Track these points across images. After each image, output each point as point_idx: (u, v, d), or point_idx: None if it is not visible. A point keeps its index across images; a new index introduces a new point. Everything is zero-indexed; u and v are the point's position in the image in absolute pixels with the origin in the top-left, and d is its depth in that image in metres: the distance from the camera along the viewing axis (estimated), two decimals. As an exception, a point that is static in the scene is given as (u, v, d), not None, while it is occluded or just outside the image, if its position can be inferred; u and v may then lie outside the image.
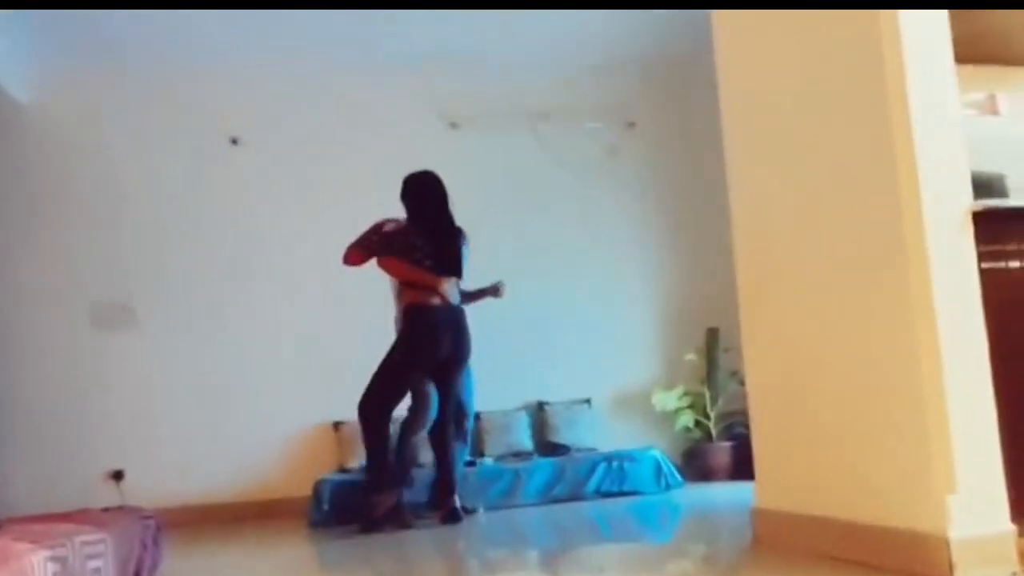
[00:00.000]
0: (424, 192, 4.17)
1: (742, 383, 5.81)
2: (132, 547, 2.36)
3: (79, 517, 2.37)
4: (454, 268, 4.11)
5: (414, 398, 4.02)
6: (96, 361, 5.14)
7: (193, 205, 5.45)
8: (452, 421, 4.10)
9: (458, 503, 4.02)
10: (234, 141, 5.53)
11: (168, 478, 5.07)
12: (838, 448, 2.43)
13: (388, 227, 4.13)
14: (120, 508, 2.76)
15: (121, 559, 2.21)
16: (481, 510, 4.31)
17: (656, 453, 4.98)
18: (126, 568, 2.27)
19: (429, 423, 3.98)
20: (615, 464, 4.83)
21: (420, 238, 4.05)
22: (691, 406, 5.70)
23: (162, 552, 2.75)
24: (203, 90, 5.52)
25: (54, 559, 1.74)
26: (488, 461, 4.79)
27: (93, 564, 1.99)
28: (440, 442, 4.02)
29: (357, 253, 4.08)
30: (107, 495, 4.93)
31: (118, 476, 5.01)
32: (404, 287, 4.05)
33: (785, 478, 2.68)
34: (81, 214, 5.28)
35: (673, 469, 4.99)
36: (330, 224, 5.53)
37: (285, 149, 5.62)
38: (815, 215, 2.53)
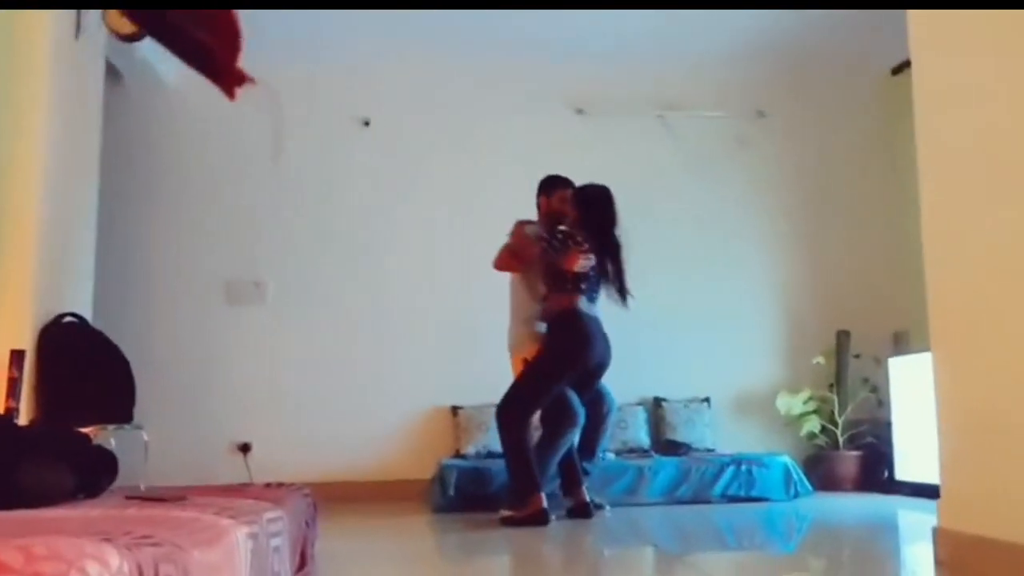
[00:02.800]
0: (602, 205, 4.08)
1: (874, 390, 5.68)
2: (300, 525, 2.38)
3: (253, 492, 2.40)
4: (621, 290, 4.04)
5: (558, 404, 3.93)
6: (228, 336, 5.29)
7: (324, 185, 5.53)
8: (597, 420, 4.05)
9: (587, 496, 3.97)
10: (366, 123, 5.58)
11: (290, 453, 5.18)
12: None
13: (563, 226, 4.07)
14: (280, 485, 2.80)
15: (293, 537, 2.23)
16: (608, 508, 4.23)
17: (786, 459, 4.81)
18: (295, 547, 2.28)
19: (578, 427, 3.91)
20: (743, 468, 4.68)
21: (591, 247, 3.97)
22: (817, 411, 5.48)
23: (317, 531, 2.77)
24: (336, 72, 5.59)
25: (250, 535, 1.74)
26: (610, 456, 4.71)
27: (275, 542, 1.99)
28: (583, 438, 3.97)
29: (522, 253, 3.97)
30: (233, 467, 5.07)
31: (245, 449, 5.14)
32: (553, 291, 3.96)
33: (980, 499, 2.50)
34: (217, 194, 5.43)
35: (803, 477, 4.80)
36: (455, 207, 5.58)
37: (414, 131, 5.64)
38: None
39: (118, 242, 5.04)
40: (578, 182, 5.67)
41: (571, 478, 3.99)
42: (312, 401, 5.30)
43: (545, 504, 3.74)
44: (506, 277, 4.28)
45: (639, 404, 5.52)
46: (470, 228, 5.50)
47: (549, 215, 4.22)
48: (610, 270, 4.00)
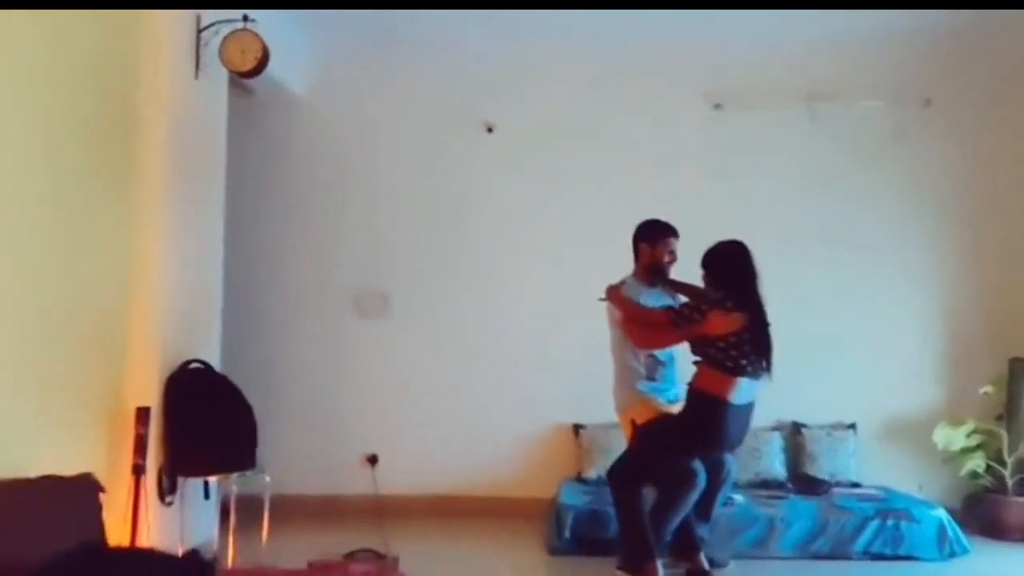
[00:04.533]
0: (745, 266, 3.60)
1: None
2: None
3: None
4: (769, 366, 3.61)
5: (680, 474, 3.67)
6: (355, 349, 5.33)
7: (449, 196, 5.40)
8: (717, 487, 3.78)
9: (705, 563, 3.74)
10: (489, 129, 5.38)
11: (415, 466, 5.21)
12: None
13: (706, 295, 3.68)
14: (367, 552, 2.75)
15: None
16: (731, 563, 3.97)
17: (941, 514, 4.33)
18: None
19: (699, 491, 3.65)
20: (890, 522, 4.25)
21: (742, 310, 3.55)
22: (982, 447, 4.92)
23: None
24: (460, 78, 5.40)
25: None
26: (740, 499, 4.41)
27: None
28: (700, 502, 3.71)
29: (652, 319, 3.65)
30: (362, 479, 5.17)
31: (373, 460, 5.23)
32: (707, 362, 3.59)
33: None
34: (347, 207, 5.41)
35: (959, 533, 4.32)
36: (585, 216, 5.32)
37: (539, 136, 5.38)
38: None
39: (247, 254, 5.14)
40: (715, 185, 5.36)
41: (686, 543, 3.76)
42: (436, 415, 5.29)
43: (661, 574, 3.55)
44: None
45: (775, 429, 5.15)
46: (600, 238, 5.22)
47: (651, 267, 3.89)
48: (757, 337, 3.56)
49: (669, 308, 3.71)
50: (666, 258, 3.88)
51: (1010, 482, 4.84)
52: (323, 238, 5.40)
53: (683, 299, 3.91)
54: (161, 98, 3.51)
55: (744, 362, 3.54)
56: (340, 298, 5.36)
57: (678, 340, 3.70)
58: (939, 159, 5.30)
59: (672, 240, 3.90)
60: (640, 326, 3.68)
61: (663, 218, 4.02)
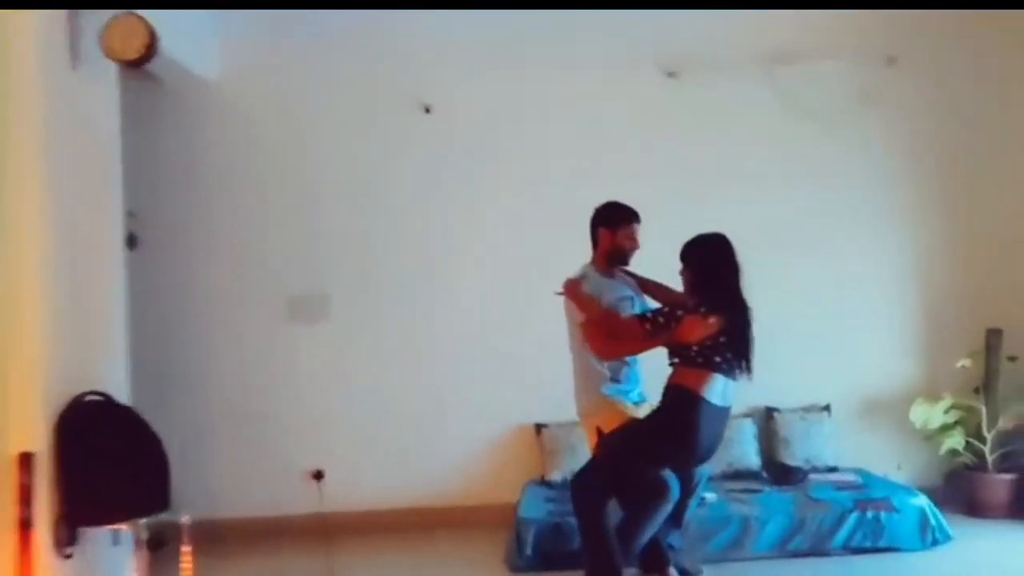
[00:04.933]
0: (728, 263, 3.30)
1: None
2: None
3: None
4: (749, 366, 3.33)
5: (651, 486, 3.35)
6: (293, 355, 4.93)
7: (386, 185, 4.97)
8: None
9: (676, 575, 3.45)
10: (427, 109, 4.95)
11: (365, 479, 4.86)
12: None
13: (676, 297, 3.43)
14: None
15: None
16: (704, 573, 3.68)
17: (923, 502, 4.08)
18: None
19: (671, 504, 3.34)
20: (870, 515, 4.00)
21: (720, 313, 3.24)
22: (960, 423, 4.68)
23: None
24: (393, 55, 4.95)
25: None
26: (713, 497, 4.12)
27: None
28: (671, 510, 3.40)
29: (622, 329, 3.34)
30: (305, 496, 4.80)
31: (318, 476, 4.85)
32: (681, 363, 3.30)
33: None
34: (273, 199, 4.96)
35: (942, 520, 4.07)
36: (538, 200, 4.93)
37: (483, 114, 4.98)
38: None
39: (160, 259, 4.71)
40: (672, 158, 5.01)
41: (655, 555, 3.48)
42: (385, 422, 4.92)
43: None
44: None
45: (747, 416, 4.86)
46: (552, 220, 4.87)
47: (611, 254, 3.55)
48: (737, 337, 3.27)
49: (642, 317, 3.37)
50: (627, 244, 3.52)
51: (990, 458, 4.62)
52: (250, 235, 4.96)
53: (648, 298, 3.60)
54: (31, 95, 3.04)
55: (718, 359, 3.24)
56: (272, 301, 4.93)
57: (644, 349, 3.39)
58: (907, 120, 5.01)
59: (634, 226, 3.56)
60: (604, 333, 3.33)
61: (619, 196, 3.67)
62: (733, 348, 3.27)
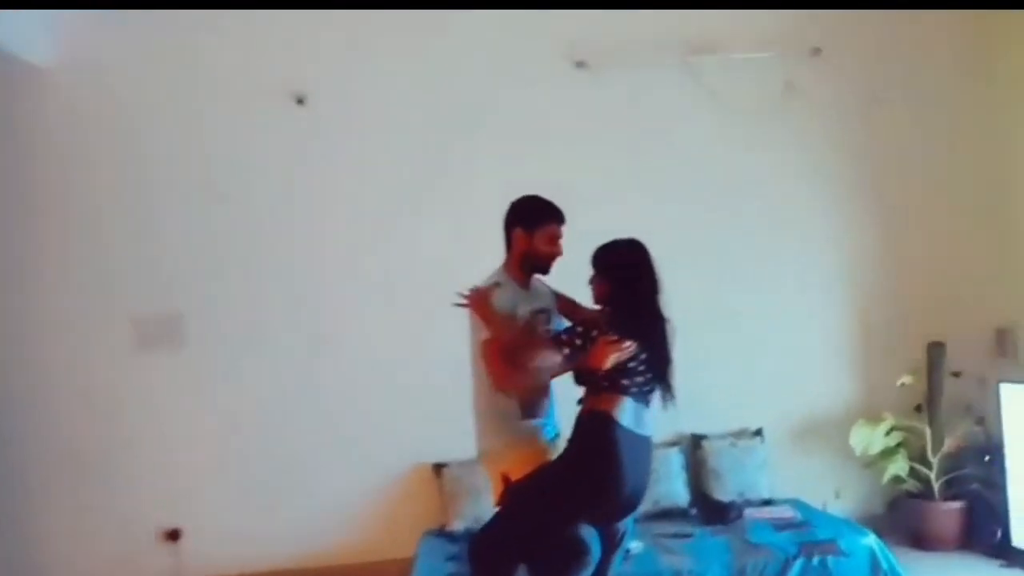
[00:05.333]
0: (647, 275, 2.79)
1: (980, 422, 4.41)
2: None
3: None
4: (668, 388, 2.82)
5: (567, 546, 2.73)
6: (141, 389, 4.12)
7: (252, 187, 4.24)
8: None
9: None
10: (300, 101, 4.24)
11: (231, 538, 4.09)
12: None
13: (584, 314, 2.91)
14: None
15: None
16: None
17: (871, 541, 3.61)
18: None
19: (590, 569, 2.73)
20: (815, 560, 3.50)
21: (636, 335, 2.73)
22: (902, 445, 4.26)
23: None
24: (258, 38, 4.23)
25: None
26: (638, 547, 3.54)
27: None
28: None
29: (522, 355, 2.74)
30: (159, 560, 4.00)
31: (174, 536, 4.05)
32: (589, 392, 2.76)
33: None
34: (115, 203, 4.17)
35: (893, 562, 3.60)
36: (430, 207, 4.28)
37: (366, 106, 4.30)
38: None
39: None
40: (582, 156, 4.44)
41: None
42: (254, 467, 4.16)
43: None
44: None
45: (674, 445, 4.33)
46: (448, 227, 4.26)
47: (528, 259, 2.94)
48: (656, 357, 2.76)
49: (558, 338, 2.78)
50: (547, 249, 2.92)
51: (936, 485, 4.21)
52: (86, 247, 4.15)
53: (560, 316, 3.01)
54: None
55: (626, 382, 2.71)
56: (115, 324, 4.12)
57: (555, 376, 2.80)
58: (833, 113, 4.59)
59: (556, 227, 2.93)
60: (508, 357, 2.71)
61: (518, 194, 3.01)
62: (651, 370, 2.75)
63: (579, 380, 2.79)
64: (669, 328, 2.82)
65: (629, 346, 2.69)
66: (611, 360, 2.67)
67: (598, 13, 4.35)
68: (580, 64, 4.41)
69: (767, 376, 4.45)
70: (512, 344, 2.73)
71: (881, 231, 4.59)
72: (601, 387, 2.71)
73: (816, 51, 4.52)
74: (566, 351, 2.69)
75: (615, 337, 2.67)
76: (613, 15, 4.37)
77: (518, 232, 2.92)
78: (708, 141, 4.50)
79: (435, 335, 3.83)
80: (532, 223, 2.91)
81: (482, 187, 4.10)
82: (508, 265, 2.96)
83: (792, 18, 4.52)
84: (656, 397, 2.79)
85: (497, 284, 2.88)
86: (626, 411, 2.71)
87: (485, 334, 2.79)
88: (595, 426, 2.69)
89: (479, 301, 2.83)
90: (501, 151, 4.32)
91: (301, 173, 4.25)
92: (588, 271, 2.85)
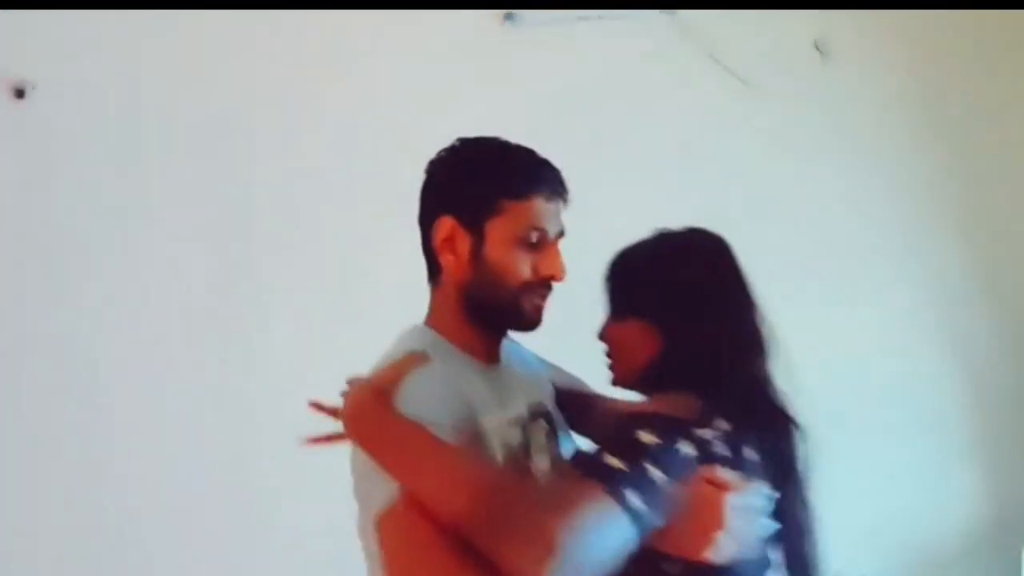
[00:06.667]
0: (748, 301, 1.28)
1: None
2: None
3: None
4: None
5: None
6: None
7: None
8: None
9: None
10: (19, 93, 2.46)
11: None
12: None
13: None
14: None
15: None
16: None
17: None
18: None
19: None
20: None
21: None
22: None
23: None
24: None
25: None
26: None
27: None
28: None
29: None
30: None
31: None
32: None
33: None
34: None
35: None
36: (260, 223, 2.37)
37: (126, 95, 2.49)
38: None
39: None
40: (509, 128, 2.62)
41: None
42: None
43: None
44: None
45: None
46: (330, 265, 2.50)
47: (482, 287, 1.25)
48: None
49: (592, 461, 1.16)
50: (525, 265, 1.25)
51: None
52: None
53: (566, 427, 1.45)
54: None
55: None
56: None
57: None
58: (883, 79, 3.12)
59: (541, 205, 1.29)
60: (477, 533, 1.09)
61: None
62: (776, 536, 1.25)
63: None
64: (795, 433, 1.30)
65: (746, 487, 1.20)
66: (719, 539, 1.15)
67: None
68: (509, 16, 2.79)
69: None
70: (480, 502, 1.10)
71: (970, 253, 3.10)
72: None
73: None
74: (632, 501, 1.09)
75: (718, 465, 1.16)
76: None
77: (451, 226, 1.27)
78: (692, 109, 2.96)
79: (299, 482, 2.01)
80: (487, 203, 1.26)
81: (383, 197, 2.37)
82: (438, 309, 1.34)
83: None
84: None
85: (414, 358, 1.24)
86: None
87: (392, 491, 1.15)
88: None
89: (365, 415, 1.19)
90: (414, 128, 2.56)
91: (24, 187, 2.37)
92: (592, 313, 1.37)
